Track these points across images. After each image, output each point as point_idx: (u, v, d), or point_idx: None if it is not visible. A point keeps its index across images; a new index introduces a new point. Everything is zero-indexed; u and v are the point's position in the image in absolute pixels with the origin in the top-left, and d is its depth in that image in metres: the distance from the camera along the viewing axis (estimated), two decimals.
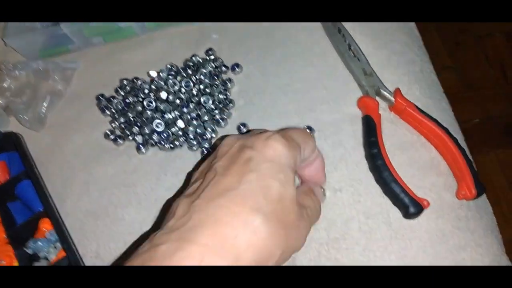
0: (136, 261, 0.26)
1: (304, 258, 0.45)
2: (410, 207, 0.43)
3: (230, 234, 0.26)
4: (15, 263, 0.51)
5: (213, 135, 0.55)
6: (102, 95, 0.62)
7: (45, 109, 0.63)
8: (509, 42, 1.43)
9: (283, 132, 0.34)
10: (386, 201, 0.46)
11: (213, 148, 0.44)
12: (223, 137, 0.36)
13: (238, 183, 0.29)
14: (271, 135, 0.32)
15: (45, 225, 0.53)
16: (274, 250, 0.28)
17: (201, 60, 0.61)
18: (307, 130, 0.39)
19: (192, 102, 0.57)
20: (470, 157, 0.47)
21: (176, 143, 0.56)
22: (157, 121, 0.56)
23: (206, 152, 0.55)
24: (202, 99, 0.56)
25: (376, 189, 0.47)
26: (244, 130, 0.55)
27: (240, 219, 0.27)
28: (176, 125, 0.56)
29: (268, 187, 0.29)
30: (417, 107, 0.50)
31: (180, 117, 0.56)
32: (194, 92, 0.58)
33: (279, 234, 0.28)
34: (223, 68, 0.60)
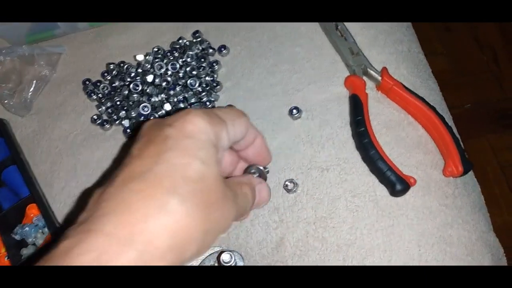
0: (40, 261, 0.23)
1: (292, 237, 0.45)
2: (397, 184, 0.43)
3: (140, 219, 0.24)
4: (2, 250, 0.51)
5: None
6: (89, 80, 0.62)
7: (31, 94, 0.63)
8: (499, 27, 1.42)
9: (207, 109, 0.31)
10: (373, 179, 0.46)
11: None
12: None
13: (154, 164, 0.26)
14: (191, 110, 0.29)
15: (32, 211, 0.53)
16: (194, 233, 0.25)
17: (187, 43, 0.61)
18: (239, 110, 0.35)
19: (179, 85, 0.57)
20: (457, 136, 0.47)
21: None
22: (144, 104, 0.56)
23: None
24: (189, 82, 0.56)
25: (363, 167, 0.47)
26: None
27: (154, 202, 0.24)
28: (163, 108, 0.56)
29: (187, 165, 0.26)
30: (404, 85, 0.50)
31: (167, 100, 0.56)
32: (181, 74, 0.57)
33: (198, 215, 0.25)
34: (210, 50, 0.59)
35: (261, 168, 0.37)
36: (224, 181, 0.29)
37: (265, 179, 0.37)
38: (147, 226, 0.23)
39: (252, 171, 0.37)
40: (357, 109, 0.48)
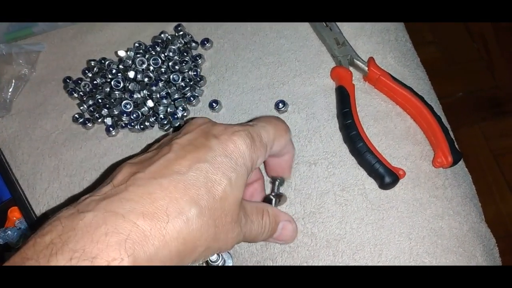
0: (56, 228, 0.24)
1: None
2: (386, 177, 0.42)
3: (162, 219, 0.25)
4: None
5: (185, 113, 0.54)
6: (69, 78, 0.60)
7: (10, 94, 0.61)
8: None
9: (254, 128, 0.32)
10: (361, 173, 0.45)
11: None
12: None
13: (187, 168, 0.27)
14: (239, 130, 0.30)
15: (14, 214, 0.52)
16: (198, 246, 0.27)
17: (169, 37, 0.59)
18: (283, 124, 0.37)
19: (161, 80, 0.55)
20: (447, 126, 0.46)
21: (147, 123, 0.54)
22: (126, 101, 0.54)
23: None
24: (171, 77, 0.54)
25: (351, 160, 0.45)
26: (217, 107, 0.53)
27: (177, 206, 0.26)
28: (145, 105, 0.54)
29: (216, 182, 0.28)
30: (391, 75, 0.48)
31: (150, 97, 0.54)
32: (163, 70, 0.55)
33: (208, 232, 0.27)
34: (193, 44, 0.58)
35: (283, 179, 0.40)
36: (243, 205, 0.31)
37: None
38: (167, 228, 0.25)
39: (277, 181, 0.40)
40: (344, 101, 0.47)
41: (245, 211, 0.31)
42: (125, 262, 0.23)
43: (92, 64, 0.60)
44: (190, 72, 0.55)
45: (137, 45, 0.58)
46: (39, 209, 0.52)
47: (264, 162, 0.39)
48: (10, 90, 0.61)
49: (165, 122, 0.53)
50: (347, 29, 0.54)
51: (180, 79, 0.54)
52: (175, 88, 0.54)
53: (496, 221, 1.06)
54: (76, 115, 0.57)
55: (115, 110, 0.55)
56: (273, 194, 0.39)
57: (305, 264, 0.42)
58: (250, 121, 0.36)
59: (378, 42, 0.53)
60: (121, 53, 0.59)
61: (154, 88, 0.54)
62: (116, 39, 0.63)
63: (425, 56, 0.57)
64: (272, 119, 0.35)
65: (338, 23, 0.53)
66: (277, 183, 0.41)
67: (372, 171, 0.43)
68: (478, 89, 1.30)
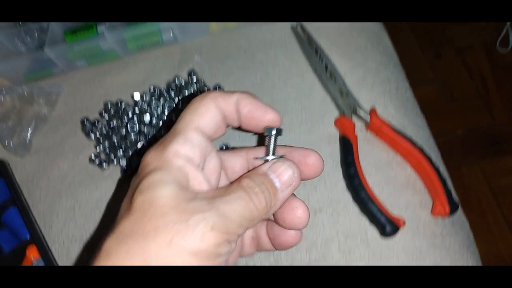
0: (97, 259, 0.25)
1: None
2: (387, 226, 0.45)
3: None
4: None
5: None
6: (87, 119, 0.63)
7: (30, 134, 0.64)
8: (488, 54, 1.46)
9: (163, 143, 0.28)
10: (364, 220, 0.47)
11: None
12: None
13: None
14: (148, 152, 0.29)
15: (33, 253, 0.54)
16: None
17: (183, 82, 0.62)
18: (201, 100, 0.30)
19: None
20: (445, 174, 0.49)
21: None
22: (141, 143, 0.57)
23: None
24: None
25: (354, 208, 0.48)
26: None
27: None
28: None
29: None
30: (392, 126, 0.51)
31: None
32: (178, 113, 0.59)
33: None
34: (205, 89, 0.61)
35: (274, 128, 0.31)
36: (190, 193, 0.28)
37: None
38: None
39: (267, 134, 0.31)
40: (347, 150, 0.50)
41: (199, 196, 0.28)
42: None
43: (109, 106, 0.63)
44: None
45: (152, 89, 0.62)
46: (55, 248, 0.54)
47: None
48: (30, 130, 0.64)
49: None
50: (350, 79, 0.57)
51: None
52: None
53: (496, 260, 1.07)
54: (93, 156, 0.60)
55: (130, 152, 0.58)
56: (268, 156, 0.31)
57: None
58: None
59: (380, 92, 0.56)
60: (137, 97, 0.62)
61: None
62: (131, 82, 0.67)
63: (424, 94, 0.61)
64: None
65: (342, 73, 0.57)
66: (272, 138, 0.32)
67: (373, 220, 0.46)
68: (477, 127, 1.33)
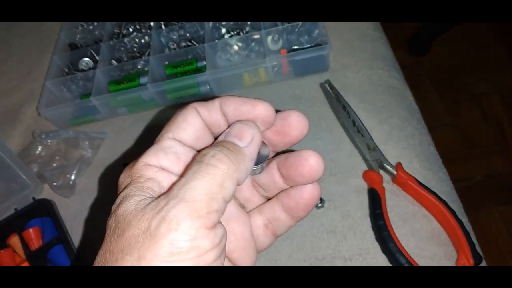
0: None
1: None
2: None
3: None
4: None
5: None
6: (127, 164, 0.68)
7: (74, 176, 0.69)
8: (504, 101, 1.50)
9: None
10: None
11: None
12: None
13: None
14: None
15: None
16: None
17: None
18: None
19: None
20: (468, 229, 0.51)
21: None
22: None
23: None
24: None
25: (383, 258, 0.51)
26: None
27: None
28: None
29: None
30: (417, 180, 0.55)
31: None
32: None
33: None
34: None
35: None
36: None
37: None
38: None
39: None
40: (375, 203, 0.53)
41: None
42: None
43: None
44: None
45: None
46: None
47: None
48: (75, 172, 0.69)
49: None
50: (377, 134, 0.61)
51: None
52: None
53: None
54: None
55: None
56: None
57: None
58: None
59: (404, 147, 0.60)
60: None
61: None
62: None
63: (443, 139, 0.63)
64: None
65: (368, 129, 0.61)
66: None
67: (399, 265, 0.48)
68: (496, 173, 1.35)
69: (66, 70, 0.81)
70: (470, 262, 0.49)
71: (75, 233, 0.63)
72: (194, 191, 0.24)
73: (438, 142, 0.65)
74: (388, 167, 0.57)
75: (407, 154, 0.60)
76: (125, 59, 0.79)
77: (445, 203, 0.53)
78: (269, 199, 0.33)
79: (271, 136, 0.31)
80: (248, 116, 0.29)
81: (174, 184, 0.25)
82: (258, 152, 0.29)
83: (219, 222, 0.25)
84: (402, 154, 0.60)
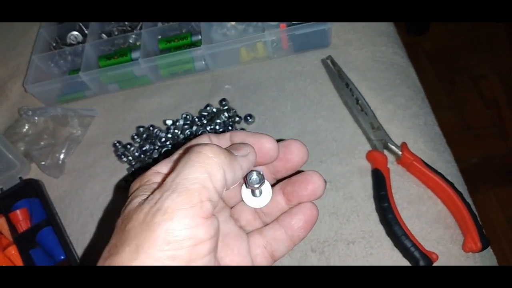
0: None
1: None
2: (420, 261, 0.45)
3: None
4: None
5: None
6: (119, 142, 0.65)
7: (63, 155, 0.66)
8: (503, 82, 1.48)
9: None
10: (396, 254, 0.48)
11: None
12: None
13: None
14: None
15: None
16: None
17: (215, 110, 0.64)
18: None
19: None
20: (475, 212, 0.50)
21: None
22: None
23: None
24: None
25: (387, 241, 0.49)
26: None
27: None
28: None
29: None
30: (423, 161, 0.53)
31: None
32: None
33: None
34: (237, 118, 0.63)
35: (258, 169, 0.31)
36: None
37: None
38: None
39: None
40: (380, 184, 0.51)
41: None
42: None
43: (141, 130, 0.65)
44: None
45: (185, 116, 0.64)
46: None
47: None
48: (64, 151, 0.66)
49: None
50: (381, 113, 0.58)
51: None
52: None
53: None
54: (124, 180, 0.61)
55: None
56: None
57: None
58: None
59: (409, 127, 0.58)
60: (169, 122, 0.64)
61: None
62: (164, 107, 0.69)
63: (441, 121, 0.61)
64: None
65: (372, 107, 0.58)
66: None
67: (407, 254, 0.47)
68: (493, 155, 1.34)
69: (54, 44, 0.77)
70: (478, 245, 0.47)
71: (64, 215, 0.60)
72: (185, 181, 0.25)
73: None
74: (393, 147, 0.54)
75: (412, 134, 0.57)
76: (116, 32, 0.76)
77: (452, 184, 0.51)
78: None
79: (275, 163, 0.33)
80: (254, 148, 0.31)
81: (167, 176, 0.27)
82: (255, 175, 0.30)
83: (214, 215, 0.26)
84: (407, 134, 0.57)
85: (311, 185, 0.33)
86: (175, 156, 0.31)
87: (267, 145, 0.31)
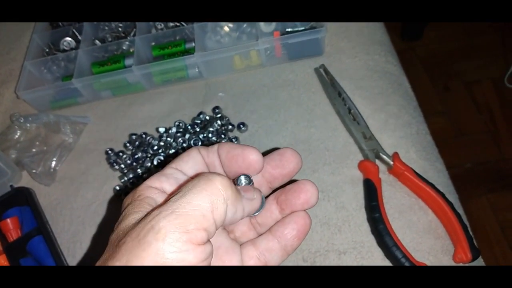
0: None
1: None
2: None
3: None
4: None
5: None
6: (111, 149, 0.65)
7: (55, 162, 0.65)
8: (496, 88, 1.49)
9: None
10: (387, 264, 0.48)
11: None
12: None
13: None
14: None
15: None
16: None
17: (208, 118, 0.64)
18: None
19: None
20: (466, 223, 0.50)
21: None
22: None
23: None
24: None
25: (378, 252, 0.49)
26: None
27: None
28: None
29: None
30: (414, 171, 0.53)
31: None
32: None
33: None
34: (230, 127, 0.63)
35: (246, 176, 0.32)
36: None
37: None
38: None
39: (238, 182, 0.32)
40: (371, 194, 0.51)
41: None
42: None
43: (134, 138, 0.65)
44: None
45: (178, 123, 0.63)
46: None
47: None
48: (55, 158, 0.66)
49: None
50: (373, 122, 0.59)
51: None
52: None
53: None
54: (117, 187, 0.61)
55: None
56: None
57: None
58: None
59: (401, 137, 0.58)
60: (162, 130, 0.64)
61: None
62: (157, 115, 0.68)
63: (434, 127, 0.62)
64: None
65: (364, 116, 0.59)
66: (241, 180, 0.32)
67: (398, 265, 0.47)
68: (486, 161, 1.35)
69: (47, 50, 0.77)
70: (468, 256, 0.47)
71: (56, 223, 0.60)
72: (187, 205, 0.25)
73: (429, 128, 0.63)
74: (384, 157, 0.55)
75: (403, 144, 0.58)
76: (109, 39, 0.75)
77: (442, 195, 0.51)
78: None
79: (271, 170, 0.34)
80: (237, 161, 0.32)
81: (170, 196, 0.27)
82: (243, 178, 0.32)
83: (208, 241, 0.26)
84: (398, 144, 0.58)
85: (303, 194, 0.33)
86: (168, 170, 0.31)
87: (251, 156, 0.31)
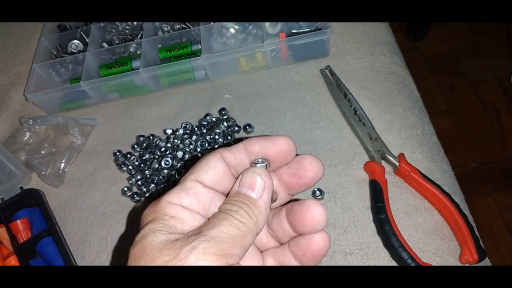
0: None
1: None
2: None
3: None
4: None
5: None
6: (119, 151, 0.65)
7: (64, 164, 0.66)
8: (501, 87, 1.48)
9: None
10: (394, 265, 0.49)
11: None
12: None
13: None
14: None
15: None
16: None
17: (214, 119, 0.65)
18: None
19: None
20: (472, 224, 0.50)
21: None
22: (174, 179, 0.59)
23: None
24: None
25: (384, 252, 0.49)
26: None
27: None
28: None
29: None
30: (420, 172, 0.53)
31: None
32: (209, 150, 0.61)
33: None
34: (236, 128, 0.63)
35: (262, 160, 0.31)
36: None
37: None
38: None
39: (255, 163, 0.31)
40: (378, 195, 0.51)
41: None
42: None
43: (141, 139, 0.65)
44: None
45: (185, 125, 0.64)
46: None
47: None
48: (64, 160, 0.66)
49: None
50: (378, 123, 0.59)
51: None
52: None
53: None
54: (125, 188, 0.62)
55: (162, 186, 0.59)
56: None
57: None
58: None
59: (407, 137, 0.58)
60: (169, 132, 0.64)
61: None
62: (164, 116, 0.69)
63: (440, 126, 0.62)
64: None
65: (370, 117, 0.59)
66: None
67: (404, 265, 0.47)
68: (492, 160, 1.34)
69: (55, 52, 0.78)
70: (474, 257, 0.47)
71: (65, 224, 0.61)
72: (221, 234, 0.27)
73: (434, 128, 0.63)
74: (390, 158, 0.55)
75: (409, 145, 0.58)
76: (117, 41, 0.76)
77: (448, 196, 0.51)
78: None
79: (287, 178, 0.33)
80: (273, 151, 0.31)
81: (203, 225, 0.28)
82: (260, 160, 0.31)
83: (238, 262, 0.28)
84: (404, 145, 0.58)
85: (308, 218, 0.31)
86: (187, 184, 0.31)
87: (282, 145, 0.31)
